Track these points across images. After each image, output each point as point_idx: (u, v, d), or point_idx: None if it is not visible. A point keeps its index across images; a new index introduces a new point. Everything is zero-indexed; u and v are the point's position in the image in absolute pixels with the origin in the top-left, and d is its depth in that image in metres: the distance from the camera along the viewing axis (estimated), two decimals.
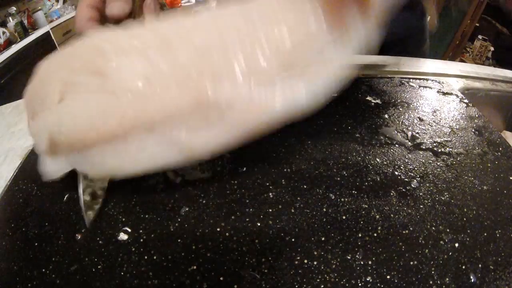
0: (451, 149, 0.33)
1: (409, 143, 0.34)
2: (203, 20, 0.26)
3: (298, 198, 0.27)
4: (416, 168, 0.30)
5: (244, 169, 0.30)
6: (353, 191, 0.28)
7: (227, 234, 0.24)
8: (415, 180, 0.29)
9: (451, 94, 0.43)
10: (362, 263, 0.22)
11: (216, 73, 0.22)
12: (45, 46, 1.94)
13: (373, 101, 0.40)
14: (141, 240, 0.24)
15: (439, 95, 0.43)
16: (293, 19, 0.25)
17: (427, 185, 0.29)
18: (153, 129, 0.22)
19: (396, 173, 0.30)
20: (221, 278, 0.22)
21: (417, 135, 0.35)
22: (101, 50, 0.24)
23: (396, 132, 0.35)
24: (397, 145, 0.33)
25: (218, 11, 0.26)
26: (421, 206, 0.26)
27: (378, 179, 0.29)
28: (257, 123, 0.23)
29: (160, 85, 0.22)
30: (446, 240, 0.24)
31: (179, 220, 0.25)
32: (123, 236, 0.24)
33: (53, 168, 0.24)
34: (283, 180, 0.29)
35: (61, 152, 0.23)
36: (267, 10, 0.25)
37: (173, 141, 0.22)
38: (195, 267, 0.22)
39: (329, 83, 0.25)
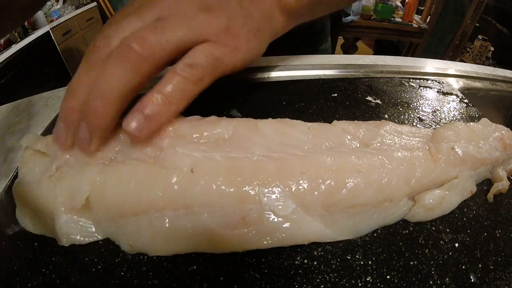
0: None
1: None
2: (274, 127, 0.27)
3: None
4: None
5: None
6: None
7: None
8: None
9: (451, 94, 0.43)
10: (362, 263, 0.22)
11: (268, 183, 0.22)
12: (45, 46, 1.94)
13: (373, 101, 0.40)
14: None
15: (439, 95, 0.43)
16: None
17: None
18: (192, 210, 0.22)
19: None
20: (221, 278, 0.22)
21: None
22: (163, 128, 0.25)
23: None
24: None
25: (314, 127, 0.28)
26: None
27: None
28: (288, 240, 0.23)
29: (209, 175, 0.23)
30: (446, 240, 0.24)
31: None
32: None
33: (73, 230, 0.23)
34: None
35: (94, 214, 0.23)
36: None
37: (206, 227, 0.22)
38: (195, 267, 0.22)
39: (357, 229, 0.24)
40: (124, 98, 0.23)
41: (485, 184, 0.29)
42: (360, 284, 0.21)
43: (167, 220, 0.22)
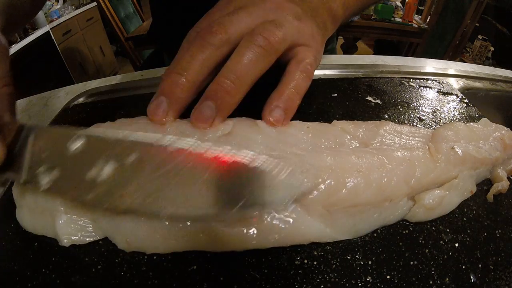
0: None
1: None
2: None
3: None
4: None
5: None
6: None
7: None
8: None
9: (451, 94, 0.43)
10: (362, 263, 0.22)
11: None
12: (45, 46, 1.94)
13: (373, 101, 0.40)
14: None
15: (439, 95, 0.43)
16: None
17: None
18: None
19: None
20: (221, 278, 0.22)
21: None
22: (166, 126, 0.26)
23: None
24: None
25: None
26: None
27: None
28: (288, 240, 0.23)
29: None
30: (446, 240, 0.24)
31: None
32: None
33: (73, 231, 0.23)
34: None
35: (93, 211, 0.23)
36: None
37: (206, 224, 0.22)
38: (195, 267, 0.22)
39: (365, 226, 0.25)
40: (253, 83, 0.26)
41: (485, 184, 0.29)
42: (360, 284, 0.21)
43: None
